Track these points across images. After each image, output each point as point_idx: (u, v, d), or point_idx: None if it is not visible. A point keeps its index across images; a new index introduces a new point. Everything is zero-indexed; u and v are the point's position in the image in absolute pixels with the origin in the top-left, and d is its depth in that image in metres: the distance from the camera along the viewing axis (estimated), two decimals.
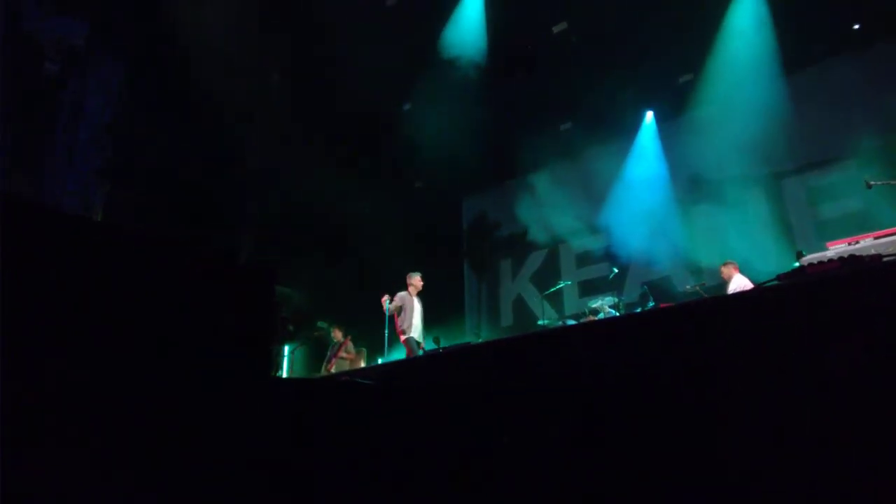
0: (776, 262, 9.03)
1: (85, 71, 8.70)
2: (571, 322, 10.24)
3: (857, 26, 9.56)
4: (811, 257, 4.97)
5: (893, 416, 3.15)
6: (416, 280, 8.83)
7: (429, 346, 8.71)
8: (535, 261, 12.99)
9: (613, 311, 9.39)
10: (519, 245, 13.14)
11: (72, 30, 8.49)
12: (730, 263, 8.63)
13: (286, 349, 10.72)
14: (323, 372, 9.67)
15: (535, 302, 12.04)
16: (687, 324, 4.20)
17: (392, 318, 8.70)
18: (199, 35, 9.08)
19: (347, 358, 9.98)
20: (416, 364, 6.38)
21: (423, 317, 8.73)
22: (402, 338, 8.52)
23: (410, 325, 8.52)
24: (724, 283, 8.62)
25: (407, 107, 11.97)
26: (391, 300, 8.62)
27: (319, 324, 11.46)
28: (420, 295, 8.84)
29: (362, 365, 9.84)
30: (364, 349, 10.42)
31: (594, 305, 9.92)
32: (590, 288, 11.60)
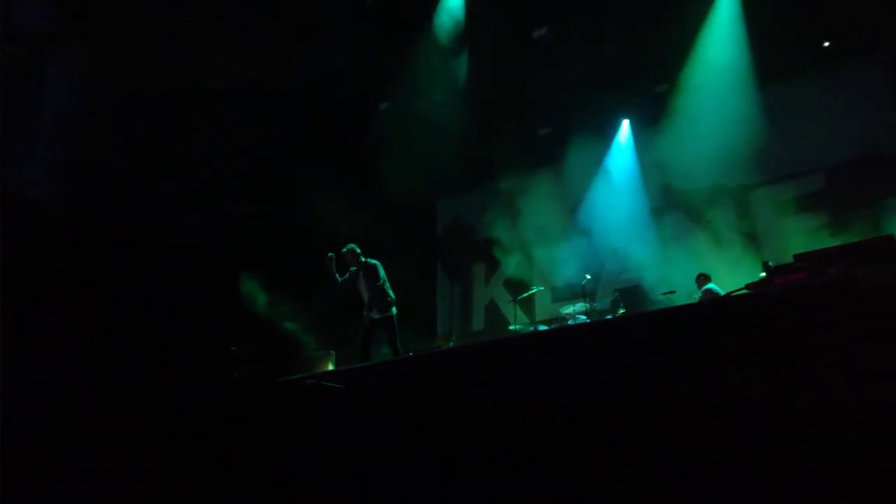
0: (744, 271, 9.13)
1: (47, 56, 8.39)
2: (543, 328, 10.23)
3: (827, 44, 9.70)
4: (778, 267, 5.02)
5: (854, 417, 3.18)
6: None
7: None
8: (508, 265, 12.97)
9: (584, 318, 9.39)
10: (493, 249, 13.11)
11: (34, 12, 8.15)
12: (703, 276, 8.81)
13: None
14: None
15: (507, 307, 12.00)
16: (660, 330, 4.21)
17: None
18: (170, 27, 8.91)
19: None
20: (387, 369, 6.31)
21: (372, 290, 7.62)
22: None
23: (364, 305, 7.75)
24: (696, 292, 8.72)
25: (384, 106, 11.89)
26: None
27: (287, 325, 11.31)
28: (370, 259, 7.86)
29: (330, 367, 9.72)
30: (333, 351, 10.30)
31: (566, 312, 9.92)
32: (562, 294, 11.60)
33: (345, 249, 7.76)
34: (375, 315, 7.58)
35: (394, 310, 7.65)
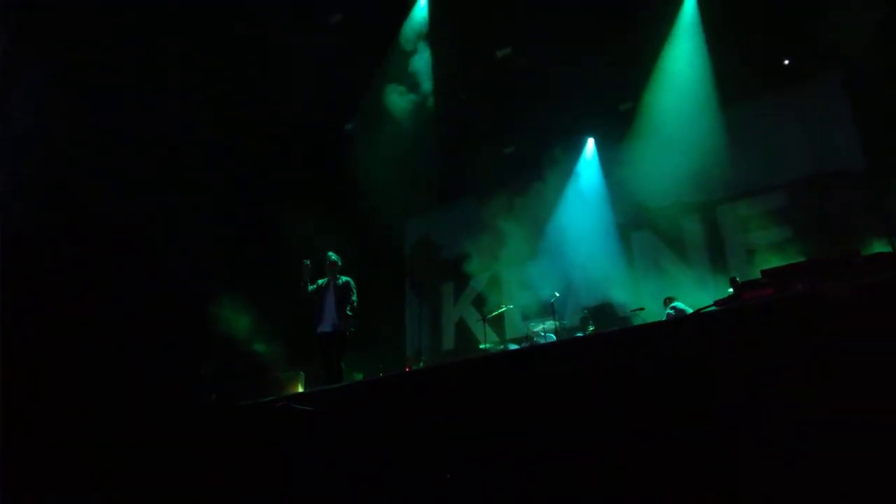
0: (710, 287, 9.25)
1: (5, 78, 8.22)
2: (513, 346, 10.20)
3: (787, 62, 9.96)
4: (745, 283, 5.07)
5: (816, 433, 3.20)
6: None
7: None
8: (477, 284, 12.95)
9: (553, 336, 9.39)
10: (461, 268, 13.08)
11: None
12: (667, 298, 8.88)
13: None
14: None
15: (476, 326, 11.95)
16: (629, 347, 4.20)
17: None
18: (131, 44, 8.78)
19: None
20: (356, 390, 6.19)
21: (340, 304, 7.49)
22: None
23: (319, 317, 7.58)
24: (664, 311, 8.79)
25: (349, 126, 11.85)
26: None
27: (256, 346, 11.09)
28: (343, 275, 7.76)
29: (300, 388, 9.55)
30: (302, 372, 10.13)
31: (535, 329, 9.91)
32: (531, 312, 11.59)
33: (332, 255, 7.72)
34: (328, 328, 7.40)
35: (350, 329, 7.50)
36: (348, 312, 7.46)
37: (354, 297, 7.57)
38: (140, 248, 9.03)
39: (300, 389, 9.53)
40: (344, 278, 7.66)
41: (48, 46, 8.55)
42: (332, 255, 7.75)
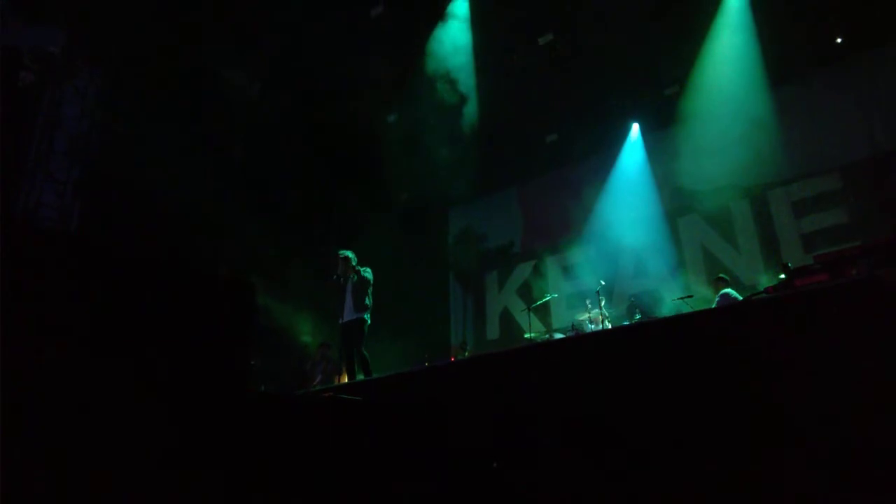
0: (762, 273, 9.02)
1: (62, 80, 8.56)
2: (559, 335, 10.13)
3: (839, 40, 9.57)
4: (798, 269, 4.93)
5: (873, 419, 3.10)
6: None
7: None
8: (521, 273, 12.90)
9: (608, 324, 9.28)
10: (505, 257, 13.03)
11: (48, 38, 8.35)
12: (720, 279, 8.62)
13: None
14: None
15: (521, 315, 11.91)
16: (676, 335, 4.14)
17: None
18: (179, 43, 8.99)
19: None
20: (403, 379, 6.26)
21: (355, 295, 7.84)
22: None
23: (340, 309, 7.96)
24: (713, 296, 8.59)
25: (392, 118, 11.90)
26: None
27: (304, 339, 11.30)
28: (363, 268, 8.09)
29: (344, 379, 9.66)
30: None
31: (581, 318, 9.81)
32: (577, 300, 11.50)
33: (344, 254, 8.09)
34: (347, 319, 7.79)
35: (367, 315, 7.81)
36: (367, 303, 7.82)
37: (370, 287, 7.92)
38: (192, 241, 9.30)
39: (344, 380, 9.65)
40: (363, 272, 8.00)
41: (103, 46, 8.83)
42: (345, 253, 8.12)
